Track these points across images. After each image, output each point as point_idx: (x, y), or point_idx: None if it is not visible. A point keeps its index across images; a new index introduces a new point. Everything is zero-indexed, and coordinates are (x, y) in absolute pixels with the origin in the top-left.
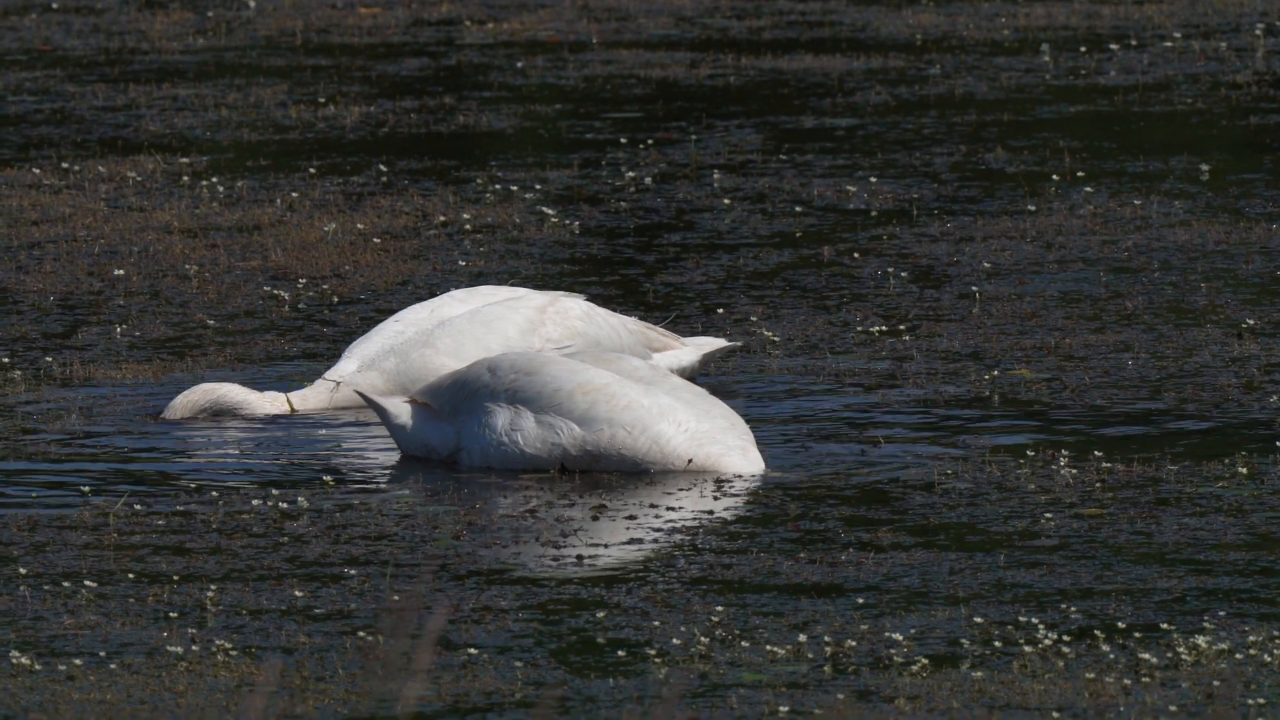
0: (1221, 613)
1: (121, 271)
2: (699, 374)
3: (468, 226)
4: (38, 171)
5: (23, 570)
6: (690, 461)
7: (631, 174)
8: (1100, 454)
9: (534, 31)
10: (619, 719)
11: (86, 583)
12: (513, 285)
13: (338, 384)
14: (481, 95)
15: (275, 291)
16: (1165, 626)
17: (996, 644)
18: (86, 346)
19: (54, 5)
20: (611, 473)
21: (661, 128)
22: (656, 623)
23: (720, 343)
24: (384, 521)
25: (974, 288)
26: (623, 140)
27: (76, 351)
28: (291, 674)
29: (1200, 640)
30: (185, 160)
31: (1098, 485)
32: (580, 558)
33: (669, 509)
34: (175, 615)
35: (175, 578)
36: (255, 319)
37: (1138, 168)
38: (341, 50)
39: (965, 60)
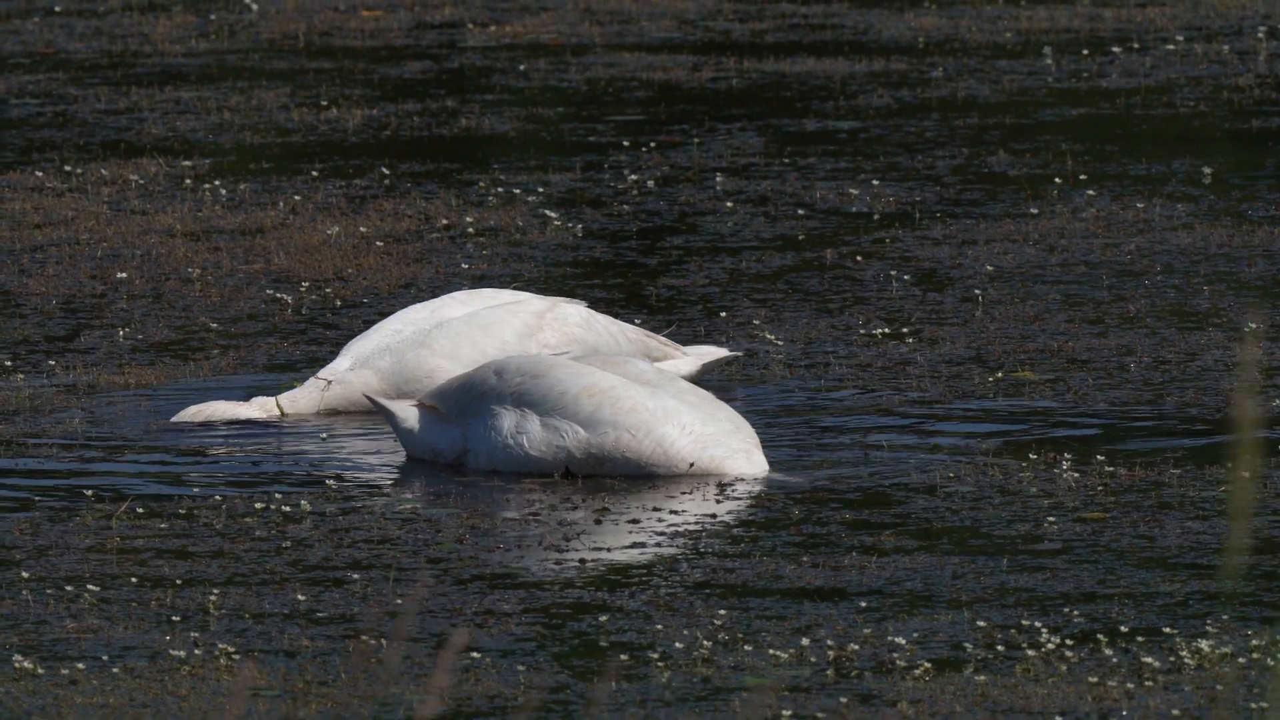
0: (1224, 616)
1: (124, 275)
2: (698, 383)
3: (470, 229)
4: (40, 174)
5: (25, 574)
6: (692, 465)
7: (634, 177)
8: (1103, 458)
9: (536, 34)
10: None
11: (89, 586)
12: (515, 289)
13: (329, 383)
14: (484, 98)
15: (278, 295)
16: (1168, 630)
17: (999, 648)
18: (89, 350)
19: (57, 8)
20: (615, 477)
21: (664, 130)
22: (659, 626)
23: (721, 352)
24: (387, 525)
25: (977, 291)
26: (625, 143)
27: (79, 355)
28: (294, 678)
29: (1203, 644)
30: (188, 163)
31: (1100, 489)
32: (583, 561)
33: (671, 512)
34: (178, 619)
35: (178, 581)
36: (258, 322)
37: (1140, 170)
38: (344, 53)
39: (967, 63)
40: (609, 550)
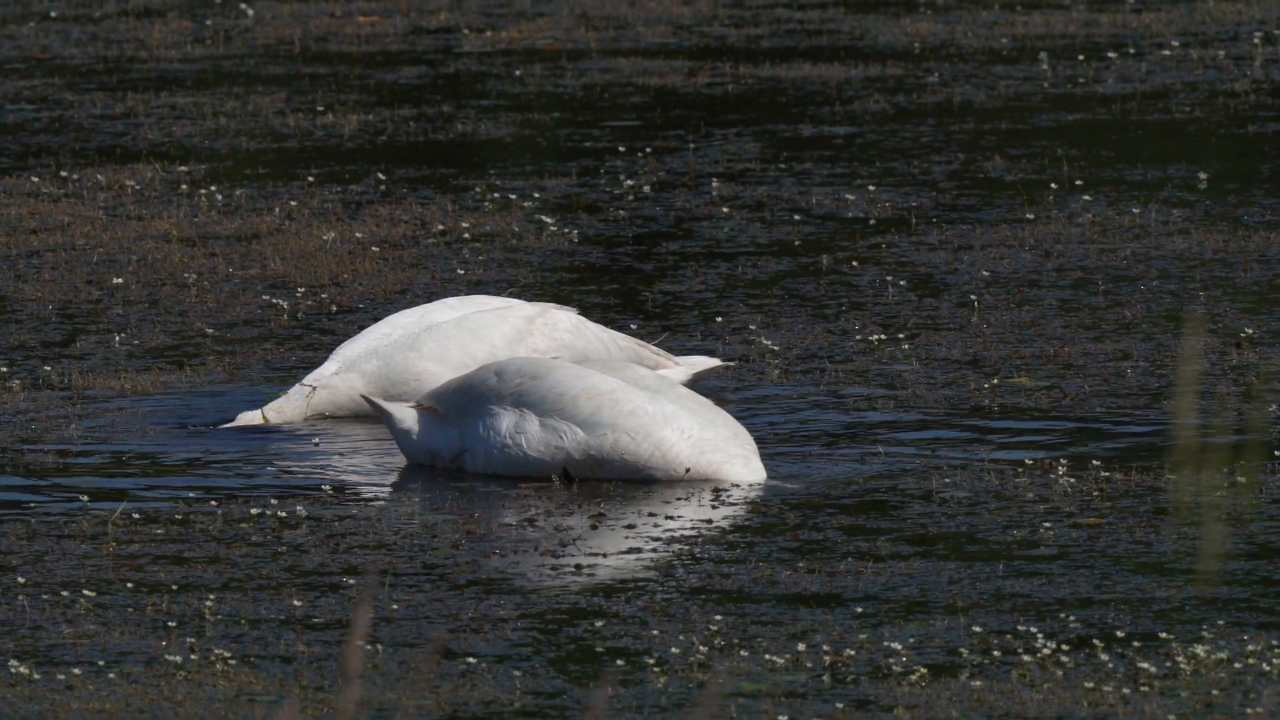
0: (1220, 622)
1: (120, 280)
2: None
3: (466, 235)
4: (36, 180)
5: (21, 579)
6: (688, 470)
7: (630, 182)
8: (1099, 463)
9: (532, 40)
10: None
11: (85, 592)
12: (509, 295)
13: (314, 389)
14: (480, 103)
15: (274, 300)
16: (1164, 636)
17: (995, 653)
18: (85, 355)
19: (53, 13)
20: (612, 481)
21: (660, 136)
22: (655, 632)
23: (713, 362)
24: (383, 531)
25: (972, 296)
26: (621, 148)
27: (75, 360)
28: (290, 683)
29: (1199, 649)
30: (184, 169)
31: (1096, 494)
32: (579, 567)
33: (668, 518)
34: (174, 624)
35: (174, 587)
36: (254, 328)
37: (1136, 176)
38: (340, 59)
39: (963, 69)
40: (605, 556)
